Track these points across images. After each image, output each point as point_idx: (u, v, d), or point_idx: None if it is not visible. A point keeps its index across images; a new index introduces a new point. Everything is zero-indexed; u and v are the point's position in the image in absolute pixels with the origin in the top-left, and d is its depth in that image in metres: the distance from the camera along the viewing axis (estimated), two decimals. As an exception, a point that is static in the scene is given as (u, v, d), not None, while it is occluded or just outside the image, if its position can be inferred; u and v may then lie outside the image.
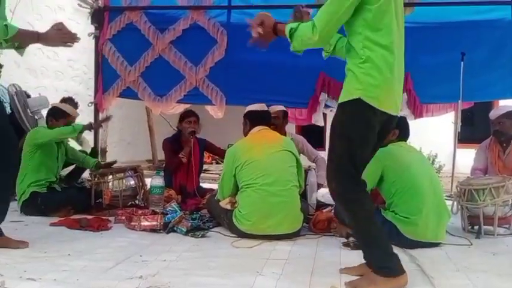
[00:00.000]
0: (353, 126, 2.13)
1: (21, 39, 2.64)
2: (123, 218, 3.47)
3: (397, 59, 2.15)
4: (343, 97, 2.15)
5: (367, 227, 2.17)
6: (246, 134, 3.49)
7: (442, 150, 8.52)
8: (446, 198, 3.69)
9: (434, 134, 8.57)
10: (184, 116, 4.54)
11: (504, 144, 4.24)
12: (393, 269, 2.12)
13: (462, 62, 4.51)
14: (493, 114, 4.25)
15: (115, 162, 4.47)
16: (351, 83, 2.12)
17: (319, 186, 4.46)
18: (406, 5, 4.82)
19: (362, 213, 2.15)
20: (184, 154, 4.35)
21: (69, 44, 2.71)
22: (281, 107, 4.66)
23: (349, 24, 2.14)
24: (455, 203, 3.51)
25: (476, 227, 3.35)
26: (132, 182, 4.06)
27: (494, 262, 2.68)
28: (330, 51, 2.51)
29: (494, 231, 3.28)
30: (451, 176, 5.27)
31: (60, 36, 2.67)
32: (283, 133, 4.68)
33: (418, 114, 4.92)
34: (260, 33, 2.29)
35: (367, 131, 2.13)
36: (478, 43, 4.71)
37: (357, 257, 2.67)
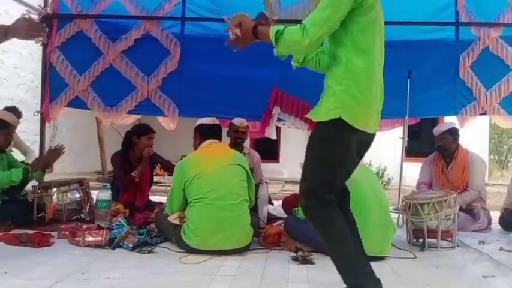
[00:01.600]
0: (330, 147, 2.04)
1: None
2: (67, 233, 3.33)
3: (378, 75, 2.12)
4: (321, 116, 2.06)
5: (339, 245, 2.10)
6: (196, 148, 3.46)
7: (390, 163, 8.76)
8: (393, 211, 3.79)
9: (383, 148, 8.79)
10: (145, 131, 4.39)
11: (447, 160, 4.41)
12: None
13: (409, 80, 4.66)
14: (437, 130, 4.42)
15: (62, 148, 4.20)
16: (329, 101, 2.05)
17: (270, 200, 4.48)
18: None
19: (332, 230, 2.08)
20: (137, 174, 4.22)
21: (39, 36, 2.60)
22: (246, 121, 4.69)
23: (335, 34, 2.05)
24: (401, 216, 3.60)
25: (420, 240, 3.45)
26: (77, 195, 3.91)
27: (436, 275, 2.76)
28: (300, 61, 2.38)
29: (437, 244, 3.39)
30: (398, 189, 5.41)
31: (29, 28, 2.54)
32: (242, 146, 4.70)
33: (367, 129, 5.03)
34: (237, 35, 2.15)
35: (345, 152, 2.07)
36: (424, 61, 4.88)
37: (305, 272, 2.69)
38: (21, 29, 2.51)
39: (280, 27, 2.04)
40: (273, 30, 2.04)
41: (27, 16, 2.55)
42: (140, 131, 4.40)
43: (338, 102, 2.02)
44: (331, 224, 2.07)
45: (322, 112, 2.07)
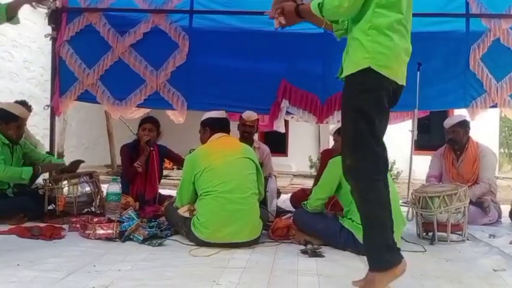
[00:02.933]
0: (364, 97, 2.04)
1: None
2: (78, 226, 3.36)
3: (406, 29, 2.12)
4: (350, 69, 2.08)
5: (377, 211, 2.07)
6: (204, 141, 3.46)
7: (400, 157, 8.71)
8: (402, 204, 3.78)
9: (392, 142, 8.74)
10: (141, 123, 4.46)
11: (458, 153, 4.38)
12: (389, 261, 2.05)
13: (418, 72, 4.63)
14: (447, 123, 4.39)
15: (82, 161, 4.29)
16: (357, 53, 2.07)
17: (279, 193, 4.48)
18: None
19: (374, 196, 2.07)
20: (139, 164, 4.24)
21: (41, 2, 2.57)
22: (255, 115, 4.68)
23: None
24: (410, 209, 3.59)
25: (430, 234, 3.44)
26: (88, 188, 3.95)
27: (447, 268, 2.75)
28: (345, 28, 2.33)
29: (447, 237, 3.37)
30: (407, 183, 5.39)
31: None
32: (252, 140, 4.70)
33: (376, 122, 5.01)
34: (283, 23, 2.22)
35: (380, 100, 2.06)
36: (434, 54, 4.84)
37: (314, 264, 2.70)
38: None
39: None
40: (313, 4, 2.12)
41: None
42: (139, 123, 4.44)
43: (366, 52, 2.04)
44: (375, 187, 2.07)
45: (349, 65, 2.10)
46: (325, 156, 3.99)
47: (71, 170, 4.09)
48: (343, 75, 2.14)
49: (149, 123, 4.40)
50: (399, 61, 2.10)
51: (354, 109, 2.07)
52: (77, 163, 4.20)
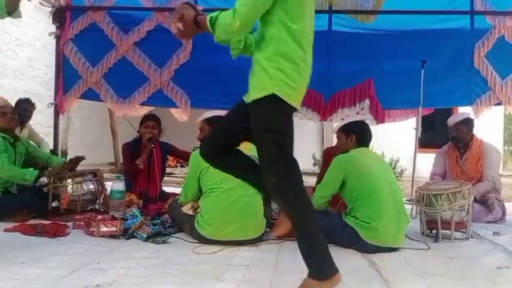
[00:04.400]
0: (274, 118, 2.05)
1: None
2: (82, 223, 3.38)
3: (308, 52, 2.10)
4: (255, 93, 2.06)
5: (307, 222, 2.08)
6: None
7: (404, 154, 8.70)
8: (406, 202, 3.77)
9: (396, 139, 8.75)
10: (142, 120, 4.46)
11: (462, 150, 4.37)
12: (326, 270, 2.04)
13: (422, 70, 4.61)
14: (451, 121, 4.38)
15: (83, 158, 4.28)
16: (262, 78, 2.03)
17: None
18: (369, 12, 4.92)
19: (304, 212, 2.08)
20: (141, 161, 4.24)
21: None
22: None
23: (265, 14, 2.03)
24: (414, 207, 3.58)
25: (434, 231, 3.43)
26: (92, 186, 3.96)
27: (451, 266, 2.74)
28: (241, 48, 2.30)
29: (451, 235, 3.36)
30: (411, 180, 5.37)
31: None
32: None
33: (380, 119, 5.00)
34: (180, 29, 2.14)
35: (288, 122, 2.10)
36: (438, 51, 4.83)
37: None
38: None
39: (215, 13, 2.04)
40: (210, 16, 2.05)
41: None
42: (140, 121, 4.45)
43: (271, 79, 2.01)
44: (302, 203, 2.11)
45: (256, 89, 2.07)
46: (329, 154, 3.98)
47: (71, 168, 4.08)
48: (249, 100, 2.11)
49: (152, 120, 4.40)
50: (302, 90, 2.11)
51: (266, 130, 2.06)
52: (76, 160, 4.18)
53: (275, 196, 2.19)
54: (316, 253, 2.08)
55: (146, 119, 4.46)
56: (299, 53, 2.05)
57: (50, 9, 5.15)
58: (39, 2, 5.94)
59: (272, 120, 2.06)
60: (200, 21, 2.10)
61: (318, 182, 3.64)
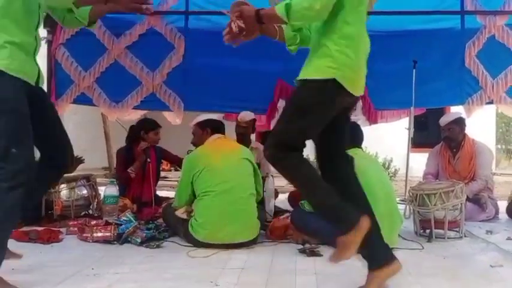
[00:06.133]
0: (317, 105, 2.02)
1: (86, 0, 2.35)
2: (75, 229, 3.37)
3: (367, 39, 2.13)
4: (311, 73, 2.03)
5: (312, 189, 2.09)
6: (200, 143, 3.46)
7: (397, 154, 8.73)
8: (399, 202, 3.79)
9: (390, 139, 8.78)
10: (150, 126, 4.42)
11: (454, 150, 4.39)
12: (350, 221, 2.00)
13: (414, 70, 4.63)
14: (443, 120, 4.40)
15: (81, 161, 4.24)
16: (323, 60, 2.02)
17: (277, 193, 4.47)
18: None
19: (301, 175, 2.07)
20: (133, 170, 4.24)
21: (141, 8, 2.37)
22: (251, 115, 4.68)
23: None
24: (407, 207, 3.60)
25: (427, 231, 3.44)
26: (85, 191, 3.95)
27: (445, 265, 2.76)
28: (297, 42, 2.32)
29: (444, 234, 3.38)
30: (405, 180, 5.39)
31: None
32: (249, 141, 4.69)
33: (373, 120, 5.02)
34: (241, 26, 2.04)
35: (330, 112, 2.06)
36: (429, 51, 4.85)
37: (312, 264, 2.70)
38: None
39: (285, 1, 1.97)
40: (280, 6, 1.98)
41: None
42: (148, 127, 4.42)
43: (332, 62, 1.99)
44: (299, 169, 2.08)
45: (311, 69, 2.05)
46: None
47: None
48: (300, 77, 2.08)
49: (160, 127, 4.43)
50: (362, 75, 2.11)
51: (300, 110, 2.04)
52: (77, 161, 4.12)
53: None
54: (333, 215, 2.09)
55: (157, 125, 4.44)
56: (361, 38, 2.07)
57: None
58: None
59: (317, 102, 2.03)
60: (265, 14, 2.04)
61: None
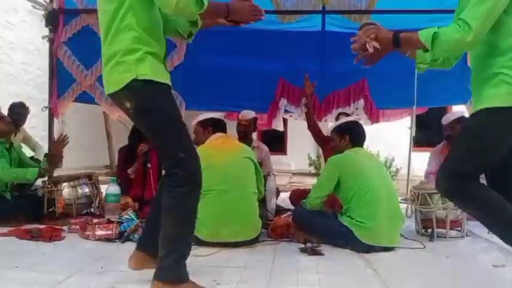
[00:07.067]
0: (497, 134, 1.94)
1: (212, 13, 2.27)
2: (77, 227, 3.37)
3: None
4: (491, 102, 1.93)
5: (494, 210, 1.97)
6: (201, 142, 3.46)
7: (399, 154, 8.74)
8: (401, 201, 3.78)
9: (391, 139, 8.79)
10: None
11: (456, 149, 4.37)
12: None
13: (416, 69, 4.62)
14: (445, 119, 4.40)
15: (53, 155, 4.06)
16: (504, 88, 1.90)
17: (279, 191, 4.47)
18: (362, 12, 4.93)
19: (485, 198, 1.98)
20: (132, 171, 4.23)
21: (259, 17, 2.32)
22: (252, 114, 4.68)
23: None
24: (409, 206, 3.59)
25: (429, 230, 3.44)
26: (87, 190, 3.95)
27: (446, 265, 2.76)
28: (430, 62, 2.24)
29: (446, 234, 3.38)
30: (407, 179, 5.40)
31: (250, 9, 2.28)
32: (250, 139, 4.70)
33: (374, 119, 5.02)
34: (377, 47, 2.01)
35: (508, 143, 1.97)
36: (432, 50, 4.84)
37: (314, 262, 2.70)
38: (243, 10, 2.28)
39: (434, 28, 1.93)
40: (426, 33, 1.93)
41: None
42: None
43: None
44: (483, 196, 1.99)
45: (491, 98, 1.93)
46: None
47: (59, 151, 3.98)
48: (480, 106, 1.97)
49: None
50: None
51: (479, 141, 1.96)
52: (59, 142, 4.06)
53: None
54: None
55: None
56: None
57: (43, 12, 5.13)
58: (32, 6, 5.94)
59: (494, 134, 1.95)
60: (405, 39, 2.00)
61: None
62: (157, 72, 2.14)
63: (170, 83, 2.23)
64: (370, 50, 2.02)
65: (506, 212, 1.96)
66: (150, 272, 2.47)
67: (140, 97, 2.11)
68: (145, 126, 2.21)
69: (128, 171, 4.22)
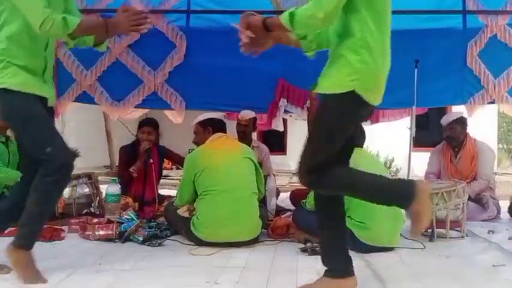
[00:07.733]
0: (340, 121, 1.96)
1: (87, 32, 2.33)
2: (77, 227, 3.37)
3: (388, 45, 2.03)
4: (331, 87, 1.95)
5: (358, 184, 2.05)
6: (202, 142, 3.46)
7: (398, 154, 8.73)
8: (401, 202, 3.77)
9: (391, 139, 8.78)
10: (140, 124, 4.46)
11: (456, 149, 4.39)
12: (408, 190, 1.96)
13: (416, 69, 4.62)
14: (445, 120, 4.40)
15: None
16: (343, 71, 1.94)
17: (279, 192, 4.47)
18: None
19: (345, 178, 2.06)
20: (135, 169, 4.23)
21: (142, 27, 2.35)
22: (251, 114, 4.68)
23: (348, 3, 1.92)
24: (409, 206, 3.58)
25: (429, 230, 3.44)
26: (87, 190, 3.95)
27: (446, 265, 2.76)
28: (314, 48, 2.28)
29: (446, 234, 3.38)
30: (407, 180, 5.39)
31: (130, 19, 2.29)
32: (250, 139, 4.70)
33: (374, 119, 5.02)
34: (251, 36, 2.05)
35: (352, 125, 2.03)
36: (431, 50, 4.83)
37: (314, 263, 2.70)
38: (122, 23, 2.29)
39: (290, 10, 1.94)
40: (284, 15, 1.94)
41: (126, 7, 2.33)
42: (138, 124, 4.44)
43: (354, 73, 1.91)
44: (343, 178, 2.06)
45: (331, 83, 1.96)
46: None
47: None
48: (320, 91, 2.01)
49: (148, 126, 4.38)
50: (383, 85, 2.03)
51: (323, 129, 2.01)
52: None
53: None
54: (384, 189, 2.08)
55: (143, 124, 4.44)
56: (384, 45, 1.98)
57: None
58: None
59: (339, 117, 1.97)
60: (271, 23, 2.02)
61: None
62: (19, 82, 2.27)
63: (43, 94, 2.38)
64: (244, 39, 2.09)
65: (367, 178, 2.06)
66: (150, 272, 2.48)
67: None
68: (11, 128, 2.43)
69: (130, 169, 4.22)
